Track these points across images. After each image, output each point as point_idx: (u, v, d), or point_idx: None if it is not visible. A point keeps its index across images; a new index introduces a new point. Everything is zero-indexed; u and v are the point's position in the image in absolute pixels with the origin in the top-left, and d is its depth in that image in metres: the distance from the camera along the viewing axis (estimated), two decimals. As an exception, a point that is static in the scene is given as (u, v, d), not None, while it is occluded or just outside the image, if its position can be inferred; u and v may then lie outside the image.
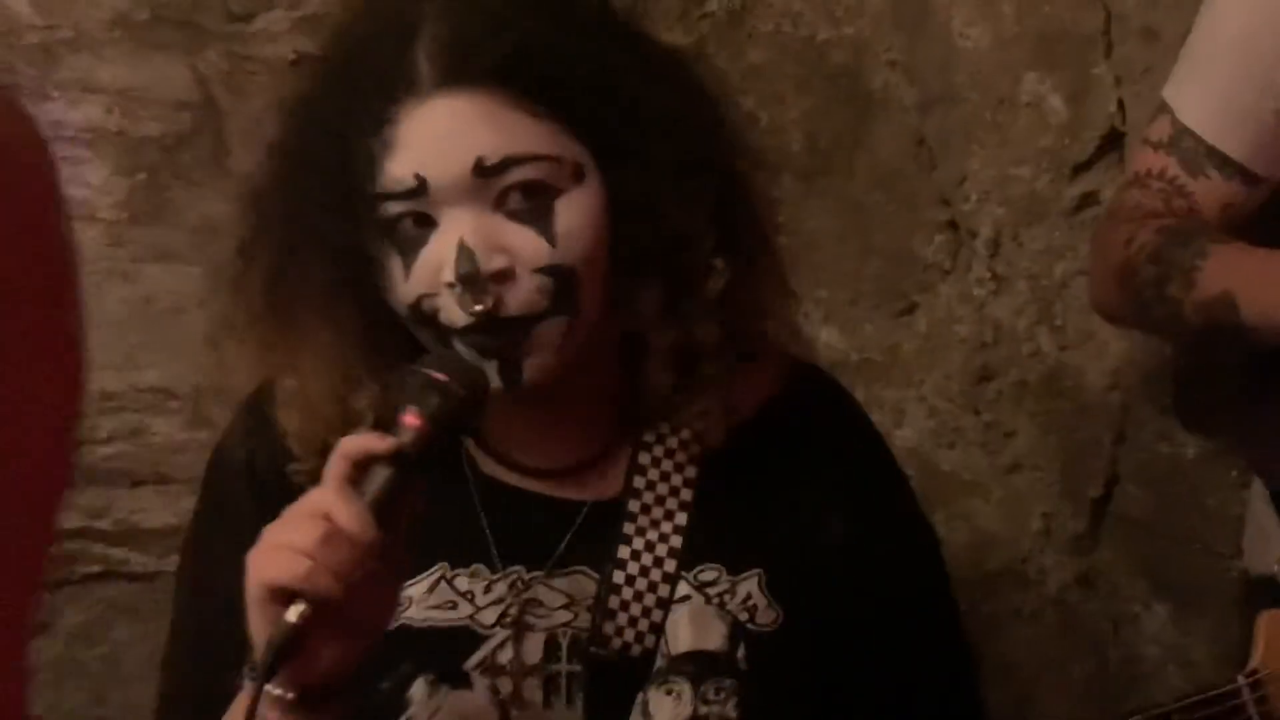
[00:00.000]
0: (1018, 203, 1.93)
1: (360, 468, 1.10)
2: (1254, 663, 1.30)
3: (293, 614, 1.06)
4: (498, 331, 1.18)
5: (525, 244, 1.18)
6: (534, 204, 1.18)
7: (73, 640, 2.19)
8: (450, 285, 1.18)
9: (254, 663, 1.09)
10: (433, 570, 1.26)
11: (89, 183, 2.05)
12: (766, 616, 1.28)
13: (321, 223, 1.20)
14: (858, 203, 2.02)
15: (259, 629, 1.08)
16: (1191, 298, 1.53)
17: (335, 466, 1.10)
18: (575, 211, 1.19)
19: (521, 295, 1.18)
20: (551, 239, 1.18)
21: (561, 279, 1.19)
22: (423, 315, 1.20)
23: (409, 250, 1.19)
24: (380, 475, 1.10)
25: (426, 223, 1.19)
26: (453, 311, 1.18)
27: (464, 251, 1.17)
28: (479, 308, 1.17)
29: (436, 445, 1.13)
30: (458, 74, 1.17)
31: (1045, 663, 2.02)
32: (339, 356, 1.23)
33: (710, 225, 1.23)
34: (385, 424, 1.14)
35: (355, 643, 1.10)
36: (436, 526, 1.24)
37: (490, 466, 1.30)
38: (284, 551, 1.06)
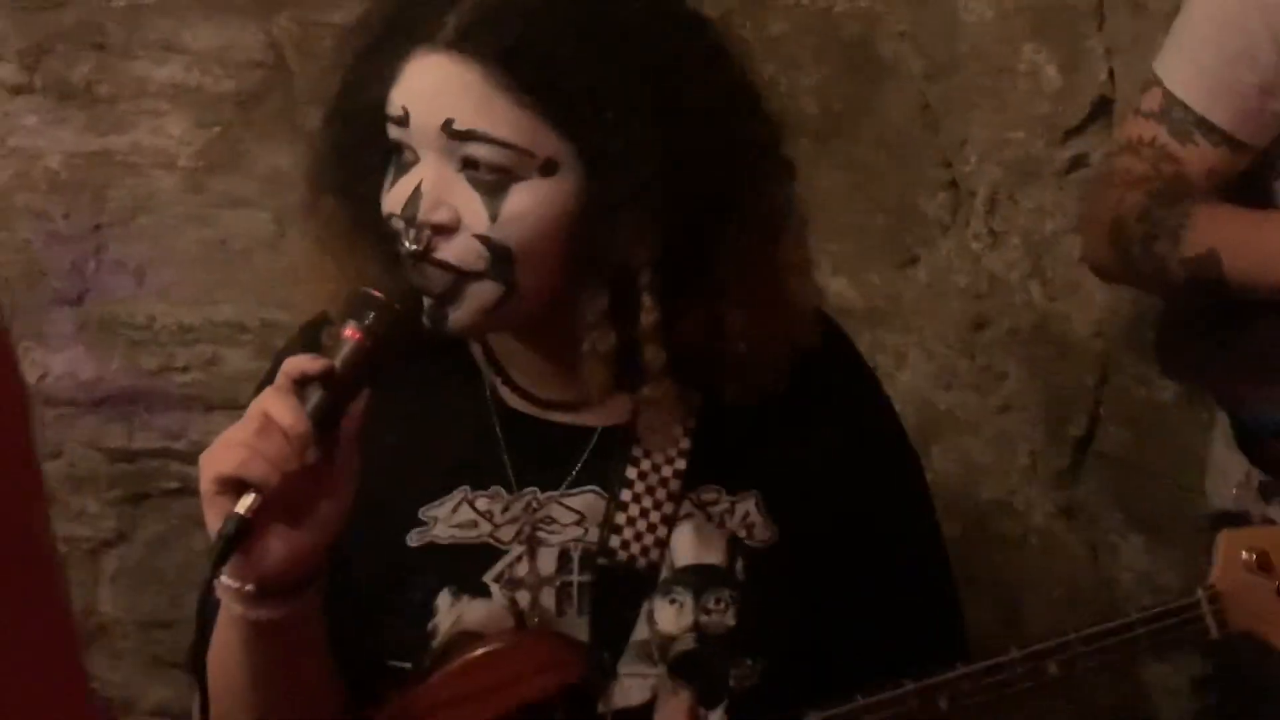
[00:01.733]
0: (1013, 164, 1.89)
1: (300, 384, 1.08)
2: (1212, 577, 1.28)
3: (241, 506, 1.04)
4: (431, 271, 1.15)
5: (469, 209, 1.15)
6: (494, 177, 1.14)
7: (152, 549, 2.18)
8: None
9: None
10: (455, 493, 1.24)
11: (171, 134, 2.03)
12: (763, 534, 1.25)
13: (360, 137, 1.19)
14: (867, 163, 1.97)
15: (212, 523, 1.06)
16: (1178, 255, 1.51)
17: (280, 378, 1.09)
18: (529, 200, 1.14)
19: (458, 250, 1.15)
20: (494, 214, 1.14)
21: (496, 253, 1.15)
22: (393, 231, 1.18)
23: (399, 171, 1.18)
24: (315, 393, 1.08)
25: (415, 153, 1.17)
26: (402, 240, 1.17)
27: (415, 194, 1.15)
28: (411, 247, 1.14)
29: (381, 357, 1.11)
30: (468, 42, 1.14)
31: (1029, 585, 1.99)
32: (380, 258, 1.19)
33: (651, 264, 1.15)
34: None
35: (305, 536, 1.08)
36: (461, 454, 1.23)
37: (515, 401, 1.27)
38: (225, 445, 1.05)
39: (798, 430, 1.27)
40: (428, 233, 1.14)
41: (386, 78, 1.16)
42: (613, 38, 1.15)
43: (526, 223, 1.14)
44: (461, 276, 1.15)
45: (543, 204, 1.14)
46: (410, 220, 1.14)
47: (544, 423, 1.26)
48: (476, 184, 1.14)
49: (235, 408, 2.07)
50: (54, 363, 2.07)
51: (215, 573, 1.06)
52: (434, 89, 1.14)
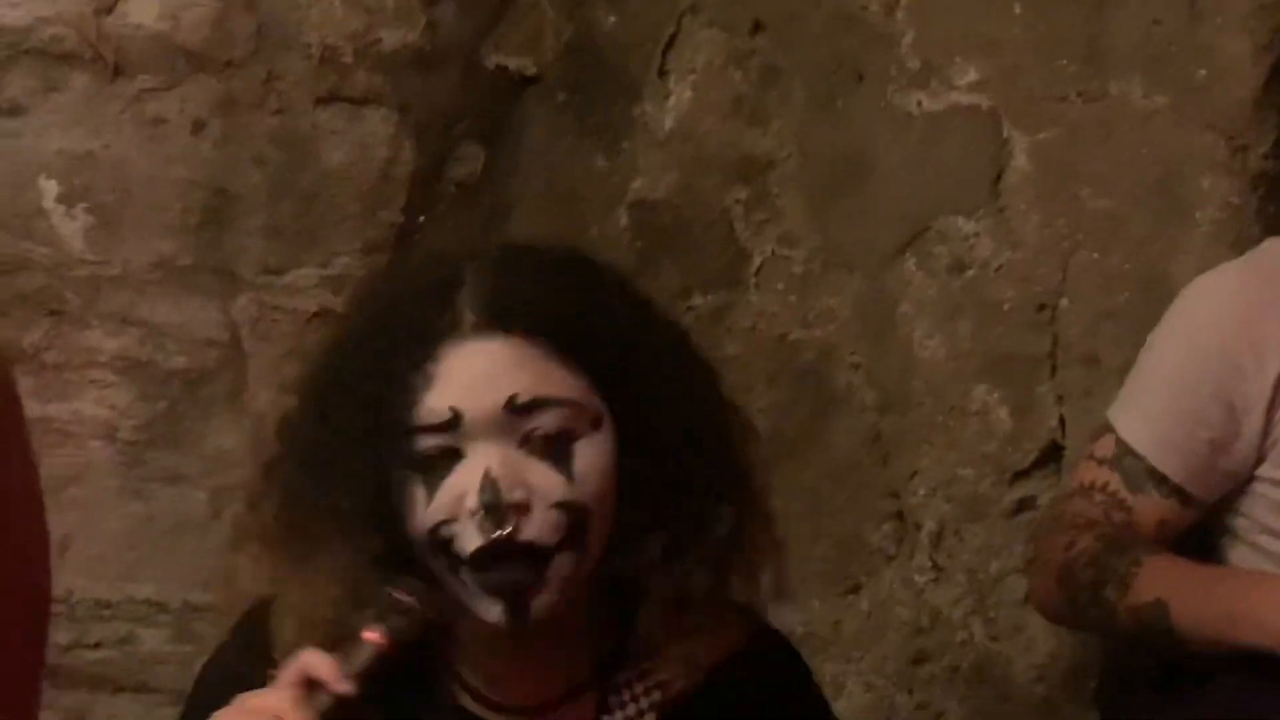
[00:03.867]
0: (961, 501, 1.88)
1: (312, 685, 1.06)
2: None
3: None
4: (510, 561, 1.13)
5: (544, 480, 1.14)
6: (555, 444, 1.15)
7: (37, 836, 2.03)
8: (472, 513, 1.13)
9: None
10: None
11: (114, 406, 1.98)
12: None
13: (350, 451, 1.16)
14: (813, 489, 1.96)
15: None
16: (1126, 602, 1.51)
17: (292, 674, 1.06)
18: (592, 454, 1.15)
19: (537, 527, 1.13)
20: (569, 476, 1.14)
21: (575, 515, 1.14)
22: (438, 542, 1.14)
23: (433, 480, 1.14)
24: (324, 698, 1.06)
25: (452, 455, 1.14)
26: (467, 539, 1.13)
27: (488, 481, 1.12)
28: (498, 533, 1.12)
29: (395, 665, 1.09)
30: (495, 322, 1.15)
31: None
32: (350, 576, 1.16)
33: (715, 477, 1.19)
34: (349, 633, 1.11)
35: None
36: None
37: (463, 699, 1.21)
38: None
39: None
40: (512, 515, 1.12)
41: (405, 392, 1.14)
42: (608, 288, 1.20)
43: (597, 475, 1.15)
44: (542, 557, 1.13)
45: (602, 455, 1.16)
46: (492, 506, 1.12)
47: None
48: (540, 454, 1.14)
49: (145, 690, 2.02)
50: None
51: None
52: (484, 375, 1.14)
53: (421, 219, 2.08)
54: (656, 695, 1.21)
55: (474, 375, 1.13)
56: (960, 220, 1.84)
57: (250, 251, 1.99)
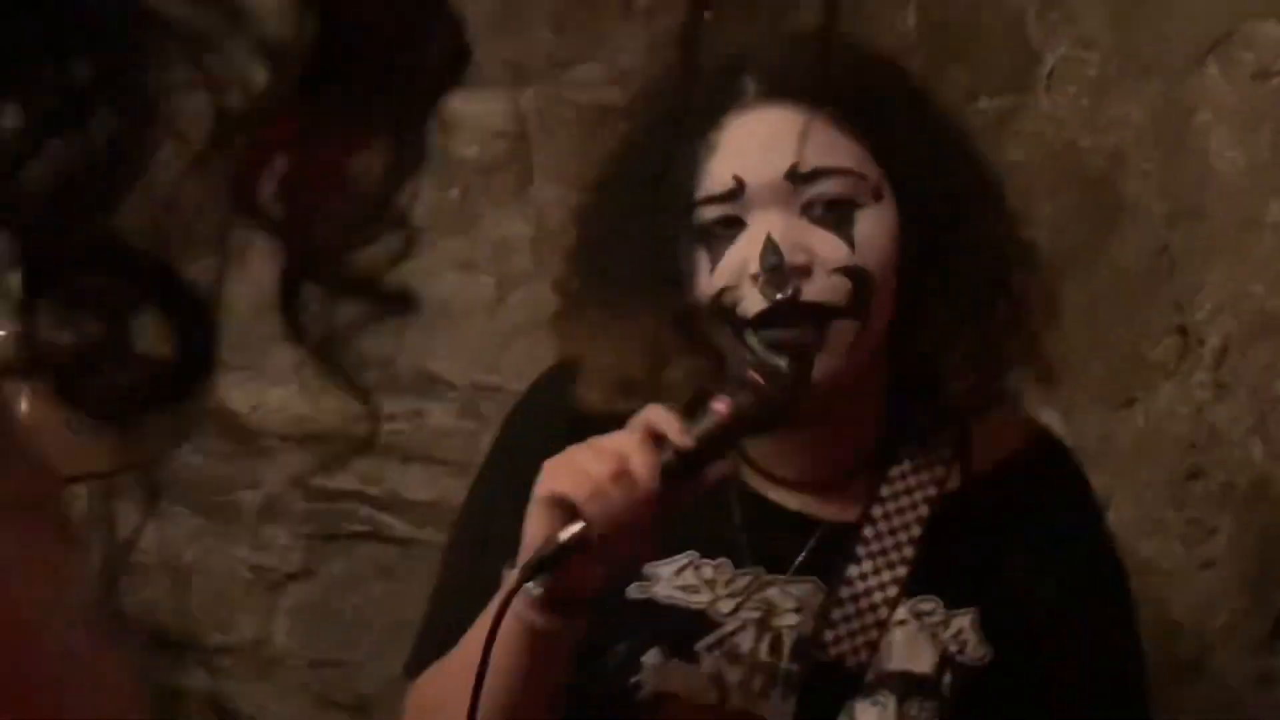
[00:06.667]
0: (1250, 317, 1.84)
1: (656, 438, 1.11)
2: None
3: (566, 533, 1.07)
4: (793, 321, 1.17)
5: (825, 245, 1.18)
6: (836, 213, 1.18)
7: (333, 588, 2.23)
8: (754, 277, 1.17)
9: (518, 560, 1.10)
10: (683, 555, 1.25)
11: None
12: (976, 652, 1.25)
13: (643, 223, 1.22)
14: (1093, 299, 1.94)
15: (535, 529, 1.09)
16: None
17: (637, 424, 1.12)
18: (874, 223, 1.18)
19: (819, 288, 1.17)
20: (850, 242, 1.18)
21: (857, 280, 1.18)
22: (722, 307, 1.20)
23: (717, 248, 1.20)
24: (668, 453, 1.11)
25: (735, 224, 1.19)
26: (752, 302, 1.18)
27: (770, 244, 1.17)
28: (779, 295, 1.16)
29: (731, 438, 1.14)
30: (779, 90, 1.18)
31: (1217, 755, 1.91)
32: (654, 337, 1.23)
33: (994, 254, 1.23)
34: (697, 399, 1.15)
35: (606, 571, 1.12)
36: (693, 517, 1.24)
37: (754, 481, 1.29)
38: (579, 472, 1.08)
39: (1024, 555, 1.28)
40: (794, 277, 1.16)
41: (690, 162, 1.19)
42: (893, 72, 1.26)
43: (880, 245, 1.18)
44: (825, 316, 1.17)
45: (885, 226, 1.19)
46: (775, 269, 1.16)
47: (778, 507, 1.28)
48: (821, 222, 1.17)
49: (432, 462, 2.17)
50: (269, 396, 2.14)
51: (523, 581, 1.09)
52: (766, 143, 1.17)
53: (707, 15, 2.10)
54: (931, 490, 1.26)
55: (756, 144, 1.17)
56: (1269, 25, 1.77)
57: (539, 45, 2.06)
